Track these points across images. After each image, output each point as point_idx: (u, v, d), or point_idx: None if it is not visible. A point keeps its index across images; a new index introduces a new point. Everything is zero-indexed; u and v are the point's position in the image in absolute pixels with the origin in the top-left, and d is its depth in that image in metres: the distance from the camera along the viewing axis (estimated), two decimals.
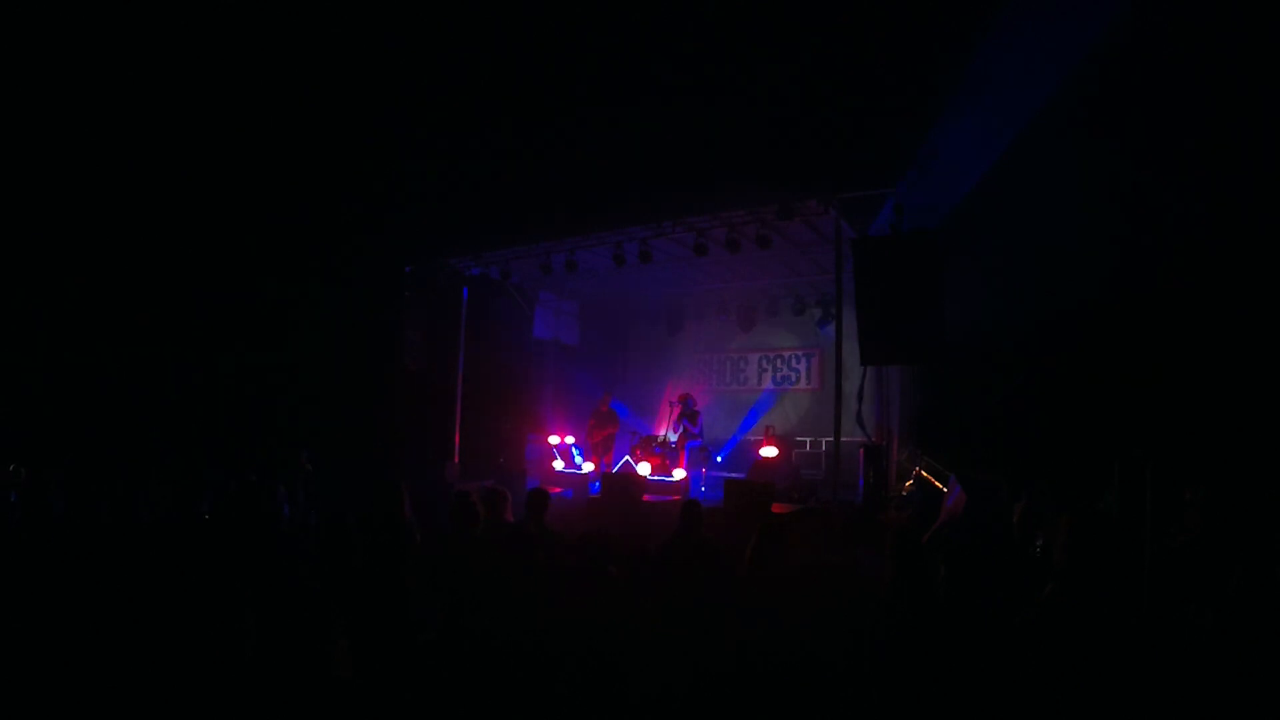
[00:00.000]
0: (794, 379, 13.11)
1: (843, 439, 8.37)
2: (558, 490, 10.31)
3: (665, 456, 10.02)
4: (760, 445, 11.00)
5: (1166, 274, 6.57)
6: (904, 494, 8.38)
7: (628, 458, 10.13)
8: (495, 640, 3.43)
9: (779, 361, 13.30)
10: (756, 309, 12.93)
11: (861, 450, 8.27)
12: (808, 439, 12.08)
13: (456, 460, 11.16)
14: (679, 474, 9.71)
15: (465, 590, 3.96)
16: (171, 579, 3.69)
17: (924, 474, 8.25)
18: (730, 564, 4.17)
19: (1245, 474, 4.75)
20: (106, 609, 3.43)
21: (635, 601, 3.80)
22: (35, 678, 2.91)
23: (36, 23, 8.83)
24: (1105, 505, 4.80)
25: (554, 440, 11.44)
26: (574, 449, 11.38)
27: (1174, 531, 3.80)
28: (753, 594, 3.77)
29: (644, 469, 9.59)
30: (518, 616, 3.57)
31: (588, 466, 10.98)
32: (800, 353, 13.02)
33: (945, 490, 7.25)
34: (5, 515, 5.83)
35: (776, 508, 7.73)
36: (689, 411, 10.61)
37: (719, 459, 12.02)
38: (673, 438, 10.44)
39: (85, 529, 5.08)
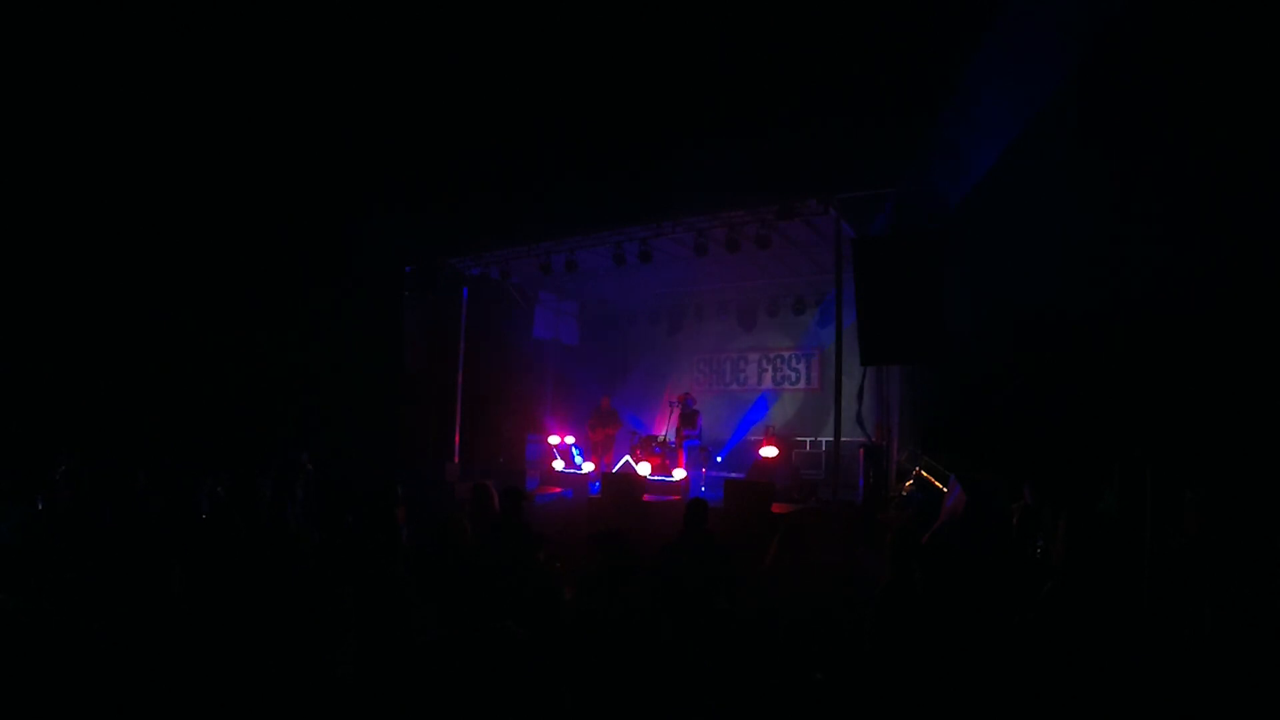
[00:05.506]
0: (794, 379, 13.09)
1: (843, 439, 8.37)
2: (558, 490, 10.32)
3: (665, 456, 10.00)
4: (760, 445, 10.99)
5: (1166, 275, 6.58)
6: (904, 494, 8.36)
7: (628, 458, 10.12)
8: (497, 636, 3.43)
9: (779, 361, 13.27)
10: (756, 309, 12.91)
11: (861, 450, 8.27)
12: (808, 439, 12.06)
13: (456, 460, 11.16)
14: (679, 474, 9.70)
15: (463, 585, 3.96)
16: (173, 578, 3.69)
17: (924, 474, 8.23)
18: (734, 561, 4.18)
19: (1245, 474, 4.75)
20: (111, 608, 3.44)
21: (640, 597, 3.80)
22: (43, 676, 2.92)
23: (37, 23, 8.83)
24: (1105, 505, 4.80)
25: (554, 440, 11.43)
26: (574, 449, 11.37)
27: (1173, 532, 3.80)
28: (768, 592, 3.79)
29: (644, 469, 9.58)
30: (514, 611, 3.57)
31: (588, 466, 10.97)
32: (800, 353, 12.99)
33: (945, 490, 7.25)
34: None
35: (776, 508, 7.73)
36: (688, 413, 10.61)
37: (719, 459, 12.01)
38: (672, 438, 10.44)
39: (90, 530, 5.09)
